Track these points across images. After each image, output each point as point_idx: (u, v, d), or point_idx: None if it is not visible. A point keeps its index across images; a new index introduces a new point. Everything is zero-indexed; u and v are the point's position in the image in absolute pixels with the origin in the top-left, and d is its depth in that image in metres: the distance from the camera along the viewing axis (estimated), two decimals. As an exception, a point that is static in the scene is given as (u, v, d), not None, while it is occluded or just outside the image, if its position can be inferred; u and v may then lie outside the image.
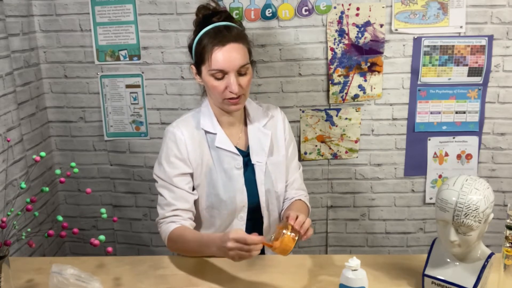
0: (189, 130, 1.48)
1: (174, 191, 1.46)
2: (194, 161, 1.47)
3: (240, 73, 1.40)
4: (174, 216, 1.45)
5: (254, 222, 1.52)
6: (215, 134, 1.48)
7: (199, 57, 1.42)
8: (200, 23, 1.45)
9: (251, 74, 1.44)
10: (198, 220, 1.53)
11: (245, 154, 1.51)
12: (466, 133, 2.24)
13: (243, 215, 1.50)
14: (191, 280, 1.36)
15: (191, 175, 1.49)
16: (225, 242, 1.21)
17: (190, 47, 1.48)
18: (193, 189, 1.50)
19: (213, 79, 1.40)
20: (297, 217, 1.28)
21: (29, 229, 1.26)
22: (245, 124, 1.56)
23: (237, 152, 1.49)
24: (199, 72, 1.45)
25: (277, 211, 1.57)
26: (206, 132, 1.49)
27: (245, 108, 1.56)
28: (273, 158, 1.54)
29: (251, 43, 1.48)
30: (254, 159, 1.50)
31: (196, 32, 1.45)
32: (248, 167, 1.51)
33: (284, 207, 1.58)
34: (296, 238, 1.24)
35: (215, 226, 1.52)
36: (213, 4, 1.48)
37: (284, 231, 1.24)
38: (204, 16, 1.46)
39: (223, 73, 1.38)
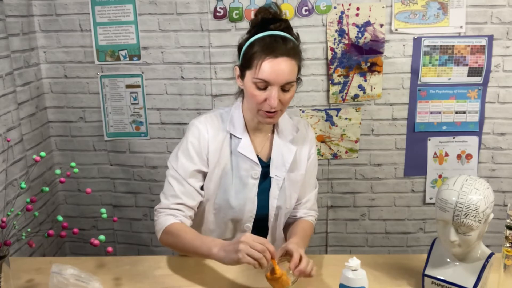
0: (214, 129, 1.43)
1: (184, 185, 1.41)
2: (212, 161, 1.42)
3: (283, 89, 1.32)
4: (177, 210, 1.40)
5: (258, 232, 1.44)
6: (240, 139, 1.43)
7: (247, 61, 1.33)
8: (256, 26, 1.37)
9: (294, 91, 1.36)
10: (202, 221, 1.50)
11: (265, 165, 1.46)
12: (466, 133, 2.24)
13: (249, 225, 1.46)
14: (190, 280, 1.36)
15: (204, 175, 1.44)
16: (239, 239, 1.17)
17: (240, 47, 1.40)
18: (202, 188, 1.45)
19: (255, 87, 1.32)
20: (300, 259, 1.22)
21: (29, 229, 1.25)
22: (272, 133, 1.49)
23: (257, 162, 1.43)
24: (242, 75, 1.36)
25: (282, 226, 1.53)
26: (231, 135, 1.44)
27: None
28: (292, 175, 1.47)
29: (303, 60, 1.40)
30: (273, 172, 1.45)
31: (250, 34, 1.36)
32: (265, 178, 1.46)
33: (289, 222, 1.54)
34: (296, 278, 1.22)
35: (218, 231, 1.49)
36: (274, 9, 1.38)
37: (287, 268, 1.22)
38: (263, 19, 1.35)
39: (267, 84, 1.30)
